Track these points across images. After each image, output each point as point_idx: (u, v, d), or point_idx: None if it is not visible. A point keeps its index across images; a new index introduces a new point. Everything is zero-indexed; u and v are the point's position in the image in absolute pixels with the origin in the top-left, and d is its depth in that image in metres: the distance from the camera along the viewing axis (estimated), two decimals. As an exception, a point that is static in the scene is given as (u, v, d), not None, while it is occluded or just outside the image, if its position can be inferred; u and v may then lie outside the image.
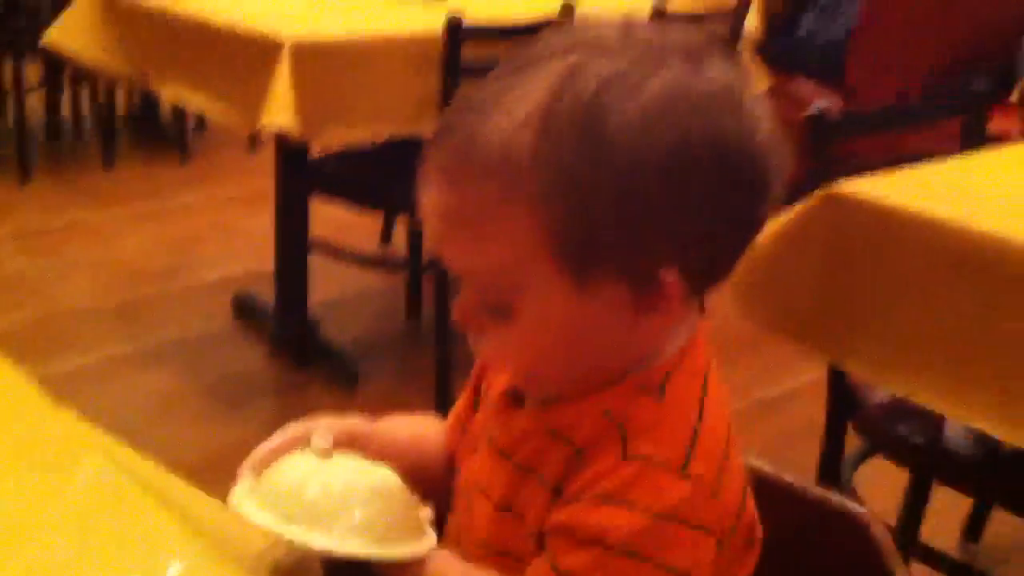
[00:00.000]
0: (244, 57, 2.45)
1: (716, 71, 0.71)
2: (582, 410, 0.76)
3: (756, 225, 0.76)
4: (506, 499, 0.78)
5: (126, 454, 0.84)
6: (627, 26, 0.72)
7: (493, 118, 0.69)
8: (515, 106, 0.69)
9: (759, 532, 0.79)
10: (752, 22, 3.21)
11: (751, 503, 0.78)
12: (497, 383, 0.85)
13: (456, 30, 2.46)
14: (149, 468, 0.83)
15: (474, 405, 0.91)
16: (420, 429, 0.95)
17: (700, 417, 0.74)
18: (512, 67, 0.72)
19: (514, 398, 0.82)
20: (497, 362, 0.80)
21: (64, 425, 0.84)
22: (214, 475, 2.66)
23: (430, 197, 0.73)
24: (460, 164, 0.71)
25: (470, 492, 0.84)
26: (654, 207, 0.69)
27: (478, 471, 0.84)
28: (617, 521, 0.69)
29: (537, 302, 0.72)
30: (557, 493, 0.74)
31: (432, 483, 0.86)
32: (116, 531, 0.71)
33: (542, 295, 0.72)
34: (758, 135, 0.72)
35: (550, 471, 0.75)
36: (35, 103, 4.41)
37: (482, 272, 0.73)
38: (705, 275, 0.75)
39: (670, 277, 0.72)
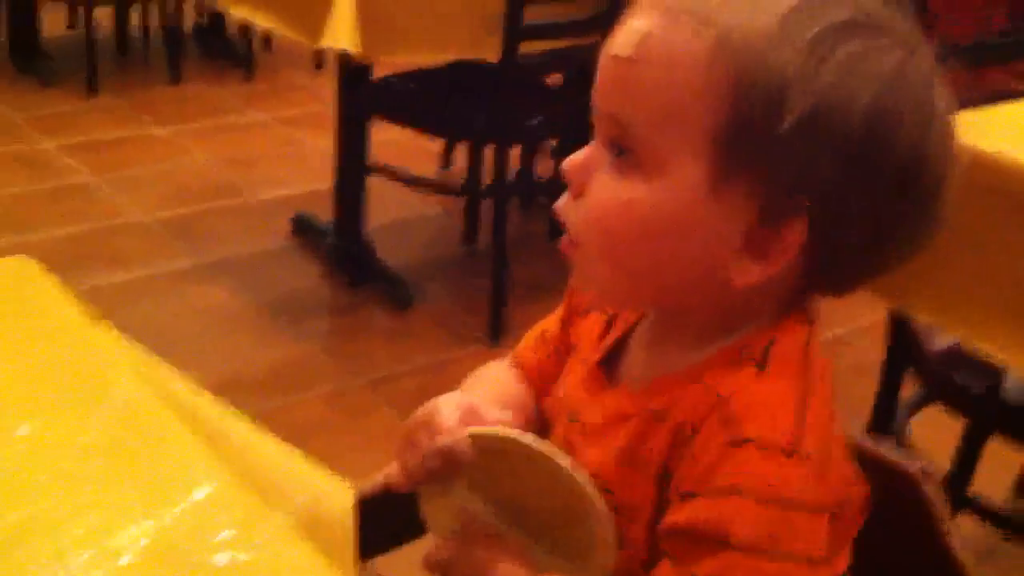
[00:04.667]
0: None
1: (939, 87, 0.71)
2: (683, 384, 0.73)
3: (902, 248, 0.73)
4: (607, 485, 0.75)
5: (163, 373, 0.83)
6: None
7: (737, 2, 0.69)
8: (764, 1, 0.68)
9: (867, 493, 0.77)
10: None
11: (852, 468, 0.76)
12: (585, 334, 0.83)
13: (523, -48, 2.41)
14: (185, 388, 0.82)
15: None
16: (510, 389, 0.93)
17: (806, 390, 0.71)
18: None
19: (605, 375, 0.80)
20: (592, 218, 0.73)
21: (100, 345, 0.83)
22: (271, 389, 2.72)
23: (632, 26, 0.71)
24: (688, 9, 0.69)
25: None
26: (832, 151, 0.67)
27: (562, 444, 0.81)
28: (741, 516, 0.67)
29: (671, 173, 0.69)
30: (665, 477, 0.72)
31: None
32: (143, 454, 0.71)
33: (680, 164, 0.69)
34: (950, 167, 0.72)
35: (654, 455, 0.73)
36: (104, 17, 4.42)
37: (640, 111, 0.70)
38: (828, 260, 0.72)
39: (798, 224, 0.69)
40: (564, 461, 0.73)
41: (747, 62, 0.67)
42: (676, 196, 0.69)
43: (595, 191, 0.72)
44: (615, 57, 0.72)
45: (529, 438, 0.74)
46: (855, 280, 0.75)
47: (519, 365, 0.93)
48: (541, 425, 0.87)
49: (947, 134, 0.72)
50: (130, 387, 0.77)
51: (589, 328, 0.85)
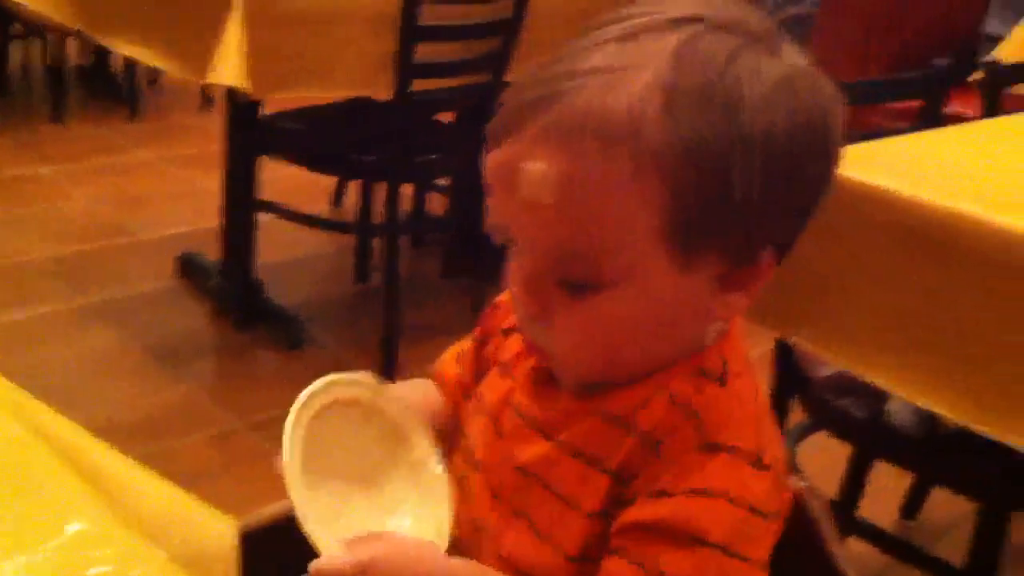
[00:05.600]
0: (195, 10, 2.39)
1: (796, 54, 0.73)
2: (643, 395, 0.74)
3: (825, 196, 0.75)
4: (541, 477, 0.76)
5: (39, 411, 0.80)
6: (707, 3, 0.72)
7: (616, 88, 0.66)
8: (636, 76, 0.66)
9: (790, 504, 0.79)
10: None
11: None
12: (513, 349, 0.83)
13: (413, -10, 2.41)
14: (62, 426, 0.79)
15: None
16: (429, 389, 0.94)
17: (756, 402, 0.74)
18: (614, 37, 0.69)
19: (548, 375, 0.80)
20: (569, 345, 0.74)
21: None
22: (153, 433, 2.64)
23: (533, 167, 0.68)
24: (583, 133, 0.66)
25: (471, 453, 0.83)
26: (775, 184, 0.69)
27: (485, 438, 0.82)
28: (716, 515, 0.68)
29: (637, 280, 0.70)
30: (619, 479, 0.72)
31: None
32: (16, 490, 0.68)
33: (643, 273, 0.69)
34: (836, 109, 0.73)
35: (609, 455, 0.73)
36: (-18, 55, 4.31)
37: (582, 246, 0.69)
38: (784, 253, 0.75)
39: (767, 256, 0.72)
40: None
41: (672, 161, 0.66)
42: (649, 294, 0.71)
43: (567, 324, 0.72)
44: (535, 204, 0.69)
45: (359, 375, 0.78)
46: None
47: (438, 378, 0.95)
48: (454, 429, 0.89)
49: (826, 86, 0.73)
50: (3, 424, 0.74)
51: (517, 340, 0.85)
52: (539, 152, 0.68)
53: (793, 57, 0.72)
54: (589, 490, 0.74)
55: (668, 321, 0.73)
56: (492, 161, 0.71)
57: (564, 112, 0.67)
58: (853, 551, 1.92)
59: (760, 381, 0.78)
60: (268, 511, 0.88)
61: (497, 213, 0.72)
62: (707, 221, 0.68)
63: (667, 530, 0.69)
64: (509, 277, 0.75)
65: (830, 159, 0.73)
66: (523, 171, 0.69)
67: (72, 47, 4.52)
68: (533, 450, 0.77)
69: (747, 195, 0.67)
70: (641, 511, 0.70)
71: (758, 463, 0.70)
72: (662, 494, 0.70)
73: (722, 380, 0.74)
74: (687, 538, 0.68)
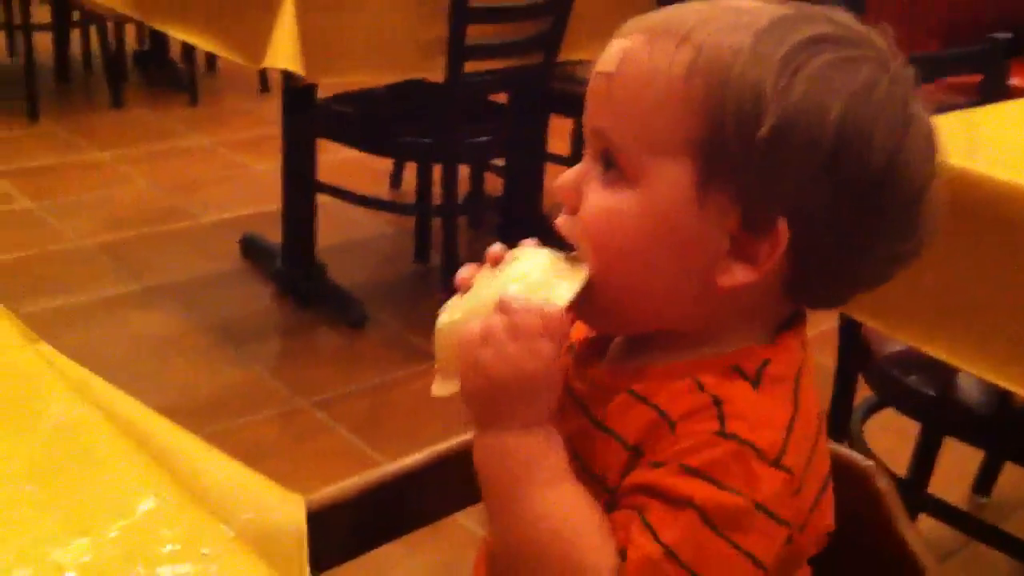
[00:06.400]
0: (250, -5, 2.41)
1: (917, 102, 0.73)
2: (669, 376, 0.74)
3: (882, 257, 0.74)
4: (578, 451, 0.76)
5: (105, 392, 0.81)
6: (832, 9, 0.74)
7: (713, 23, 0.71)
8: (740, 19, 0.71)
9: (830, 527, 0.77)
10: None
11: (828, 502, 0.76)
12: (579, 331, 0.83)
13: (466, -30, 2.41)
14: (128, 406, 0.80)
15: None
16: None
17: (795, 412, 0.72)
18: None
19: (595, 348, 0.81)
20: (585, 230, 0.75)
21: (37, 363, 0.81)
22: (218, 413, 2.68)
23: (615, 45, 0.74)
24: (666, 30, 0.72)
25: None
26: (807, 159, 0.69)
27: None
28: (707, 494, 0.67)
29: (655, 177, 0.72)
30: (637, 453, 0.72)
31: None
32: (83, 471, 0.69)
33: (662, 174, 0.71)
34: (930, 179, 0.73)
35: (630, 431, 0.73)
36: (44, 43, 4.37)
37: (624, 123, 0.73)
38: (810, 270, 0.73)
39: (779, 230, 0.70)
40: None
41: (721, 76, 0.69)
42: (661, 204, 0.71)
43: (586, 205, 0.75)
44: (599, 73, 0.75)
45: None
46: (840, 292, 0.76)
47: None
48: None
49: (925, 148, 0.73)
50: (68, 406, 0.74)
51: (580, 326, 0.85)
52: (626, 34, 0.74)
53: (904, 86, 0.72)
54: (613, 465, 0.73)
55: (674, 251, 0.72)
56: None
57: (664, 20, 0.73)
58: (924, 529, 1.89)
59: (816, 396, 0.76)
60: (335, 489, 0.88)
61: (585, 102, 0.76)
62: (729, 151, 0.69)
63: (657, 491, 0.68)
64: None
65: (893, 205, 0.72)
66: (608, 47, 0.75)
67: (131, 33, 4.57)
68: (574, 424, 0.77)
69: (776, 149, 0.68)
70: (637, 475, 0.70)
71: (775, 463, 0.69)
72: (660, 464, 0.69)
73: (756, 381, 0.72)
74: (675, 500, 0.67)
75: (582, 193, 0.75)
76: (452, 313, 0.76)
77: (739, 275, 0.72)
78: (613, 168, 0.73)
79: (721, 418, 0.69)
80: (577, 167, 0.77)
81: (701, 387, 0.72)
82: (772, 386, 0.73)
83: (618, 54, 0.73)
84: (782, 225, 0.70)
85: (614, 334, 0.81)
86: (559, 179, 0.77)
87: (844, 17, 0.74)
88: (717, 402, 0.70)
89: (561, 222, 0.77)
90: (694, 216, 0.71)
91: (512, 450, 0.73)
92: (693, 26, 0.71)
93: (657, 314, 0.75)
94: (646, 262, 0.73)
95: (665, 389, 0.73)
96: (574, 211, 0.76)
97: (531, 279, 0.74)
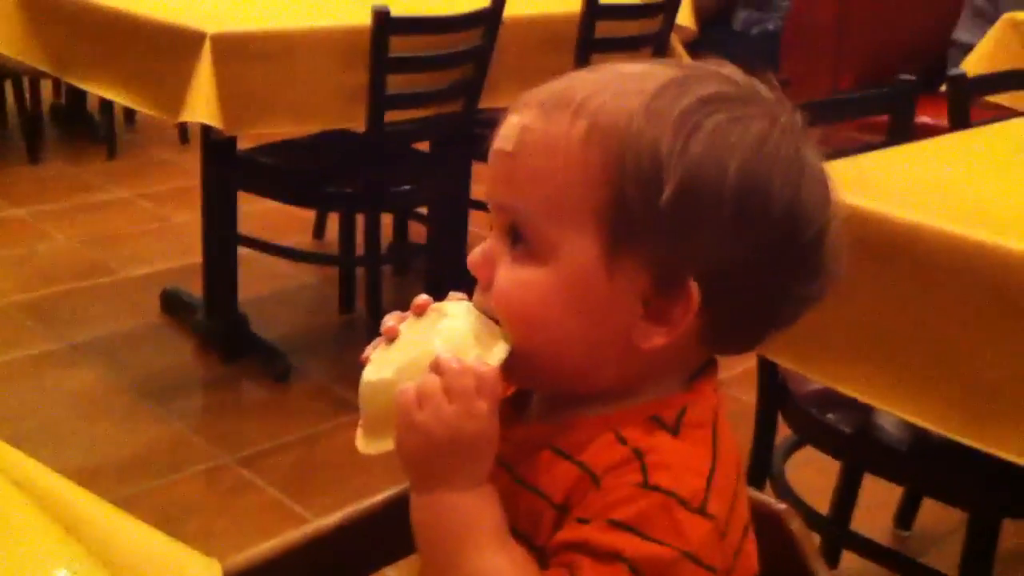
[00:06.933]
0: (166, 49, 2.40)
1: (808, 148, 0.75)
2: (591, 431, 0.74)
3: (791, 301, 0.76)
4: (504, 509, 0.76)
5: (14, 458, 0.79)
6: (720, 63, 0.76)
7: (605, 91, 0.73)
8: (630, 85, 0.73)
9: (755, 571, 0.78)
10: (685, 14, 3.21)
11: (751, 546, 0.77)
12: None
13: (384, 22, 2.42)
14: (39, 473, 0.78)
15: None
16: None
17: (714, 457, 0.73)
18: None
19: (516, 406, 0.81)
20: (497, 304, 0.76)
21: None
22: (143, 471, 2.62)
23: (511, 122, 0.75)
24: (559, 102, 0.73)
25: None
26: (712, 218, 0.70)
27: None
28: (634, 549, 0.68)
29: (563, 251, 0.72)
30: (563, 511, 0.72)
31: None
32: (-7, 541, 0.67)
33: (571, 246, 0.72)
34: (828, 221, 0.74)
35: (556, 489, 0.73)
36: (-43, 98, 4.30)
37: (528, 200, 0.73)
38: (724, 322, 0.74)
39: (691, 290, 0.71)
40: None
41: (619, 142, 0.70)
42: (571, 276, 0.72)
43: (497, 281, 0.75)
44: (498, 151, 0.75)
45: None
46: (753, 338, 0.78)
47: None
48: None
49: (820, 191, 0.74)
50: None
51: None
52: (520, 110, 0.75)
53: (795, 135, 0.74)
54: (540, 524, 0.74)
55: (589, 320, 0.73)
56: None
57: (556, 91, 0.75)
58: (848, 565, 1.92)
59: (733, 440, 0.77)
60: (252, 552, 0.87)
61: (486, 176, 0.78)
62: (634, 216, 0.70)
63: (585, 548, 0.69)
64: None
65: (798, 249, 0.73)
66: (503, 124, 0.76)
67: (47, 87, 4.51)
68: (498, 483, 0.77)
69: (680, 210, 0.70)
70: (565, 532, 0.71)
71: (700, 510, 0.69)
72: (587, 520, 0.70)
73: (675, 430, 0.74)
74: (605, 555, 0.68)
75: (493, 268, 0.76)
76: (380, 368, 0.76)
77: (656, 338, 0.73)
78: (521, 243, 0.74)
79: (644, 470, 0.70)
80: (486, 243, 0.77)
81: (623, 440, 0.72)
82: (691, 433, 0.74)
83: (515, 131, 0.74)
84: (692, 285, 0.71)
85: (542, 393, 0.81)
86: (470, 256, 0.77)
87: (730, 71, 0.76)
88: (639, 454, 0.71)
89: (477, 299, 0.77)
90: (605, 284, 0.72)
91: (451, 510, 0.73)
92: (586, 96, 0.73)
93: (581, 376, 0.76)
94: (562, 333, 0.74)
95: (588, 444, 0.73)
96: (488, 286, 0.76)
97: (461, 338, 0.74)
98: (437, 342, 0.74)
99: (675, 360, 0.76)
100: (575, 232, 0.72)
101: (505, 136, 0.75)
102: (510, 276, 0.75)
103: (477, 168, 3.02)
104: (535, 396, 0.82)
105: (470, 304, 0.77)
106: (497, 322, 0.76)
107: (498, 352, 0.74)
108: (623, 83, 0.73)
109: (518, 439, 0.78)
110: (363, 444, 0.77)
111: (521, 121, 0.74)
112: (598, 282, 0.72)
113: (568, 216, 0.72)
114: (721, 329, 0.75)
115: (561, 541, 0.71)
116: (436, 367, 0.72)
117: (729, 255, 0.71)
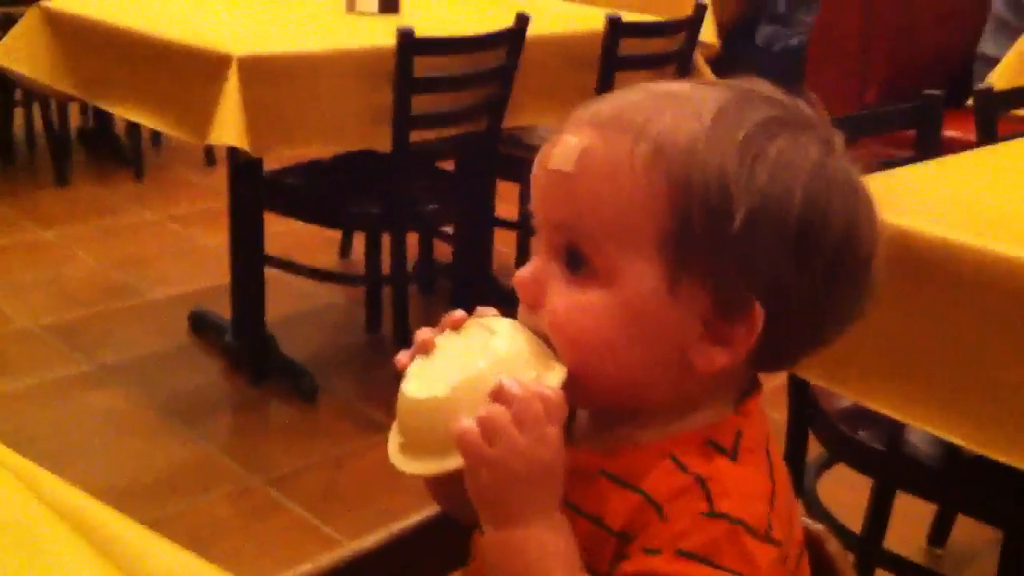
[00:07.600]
0: (193, 72, 2.42)
1: (855, 170, 0.76)
2: (646, 458, 0.74)
3: (838, 321, 0.76)
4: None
5: (48, 482, 0.80)
6: (752, 81, 0.77)
7: (663, 114, 0.72)
8: (687, 108, 0.73)
9: None
10: (708, 31, 3.21)
11: (805, 568, 0.78)
12: None
13: (408, 43, 2.44)
14: (72, 496, 0.79)
15: None
16: None
17: (773, 482, 0.74)
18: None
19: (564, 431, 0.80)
20: (550, 325, 0.74)
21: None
22: (171, 492, 2.63)
23: (568, 142, 0.74)
24: (618, 125, 0.73)
25: None
26: (777, 243, 0.71)
27: None
28: None
29: (626, 281, 0.72)
30: (624, 539, 0.72)
31: None
32: (26, 562, 0.68)
33: (634, 270, 0.72)
34: (877, 241, 0.75)
35: (615, 517, 0.73)
36: (-15, 123, 4.35)
37: (588, 222, 0.72)
38: (777, 342, 0.74)
39: (754, 313, 0.72)
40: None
41: (683, 168, 0.70)
42: (632, 299, 0.72)
43: (553, 303, 0.74)
44: (555, 171, 0.74)
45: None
46: (797, 357, 0.78)
47: None
48: None
49: (871, 212, 0.75)
50: (15, 501, 0.73)
51: None
52: (577, 130, 0.74)
53: (845, 158, 0.75)
54: (600, 552, 0.73)
55: (648, 342, 0.73)
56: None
57: (614, 109, 0.74)
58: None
59: (784, 467, 0.77)
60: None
61: (532, 194, 0.76)
62: (699, 241, 0.70)
63: None
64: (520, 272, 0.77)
65: (849, 274, 0.74)
66: (558, 143, 0.74)
67: (74, 110, 4.55)
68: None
69: (746, 235, 0.70)
70: (633, 563, 0.70)
71: (766, 537, 0.69)
72: (656, 551, 0.69)
73: (733, 455, 0.73)
74: None
75: (543, 288, 0.75)
76: (428, 385, 0.74)
77: (717, 359, 0.73)
78: (581, 264, 0.73)
79: (708, 498, 0.70)
80: (534, 261, 0.76)
81: (683, 467, 0.72)
82: (749, 458, 0.74)
83: (574, 151, 0.73)
84: (757, 307, 0.71)
85: (592, 411, 0.80)
86: (517, 275, 0.76)
87: (771, 91, 0.76)
88: (701, 481, 0.70)
89: (523, 317, 0.76)
90: (666, 307, 0.72)
91: (528, 544, 0.72)
92: (645, 119, 0.72)
93: (637, 397, 0.75)
94: (622, 356, 0.73)
95: (646, 472, 0.73)
96: (534, 306, 0.75)
97: (515, 359, 0.72)
98: (487, 364, 0.72)
99: (727, 380, 0.76)
100: (637, 255, 0.71)
101: (563, 156, 0.74)
102: (567, 300, 0.74)
103: (501, 186, 3.02)
104: (578, 415, 0.81)
105: (515, 322, 0.76)
106: (547, 342, 0.75)
107: (558, 374, 0.73)
108: (679, 106, 0.73)
109: (568, 464, 0.76)
110: (401, 461, 0.75)
111: (580, 142, 0.73)
112: (660, 305, 0.72)
113: (630, 239, 0.71)
114: (773, 349, 0.75)
115: (630, 572, 0.70)
116: (500, 396, 0.70)
117: (790, 277, 0.72)
